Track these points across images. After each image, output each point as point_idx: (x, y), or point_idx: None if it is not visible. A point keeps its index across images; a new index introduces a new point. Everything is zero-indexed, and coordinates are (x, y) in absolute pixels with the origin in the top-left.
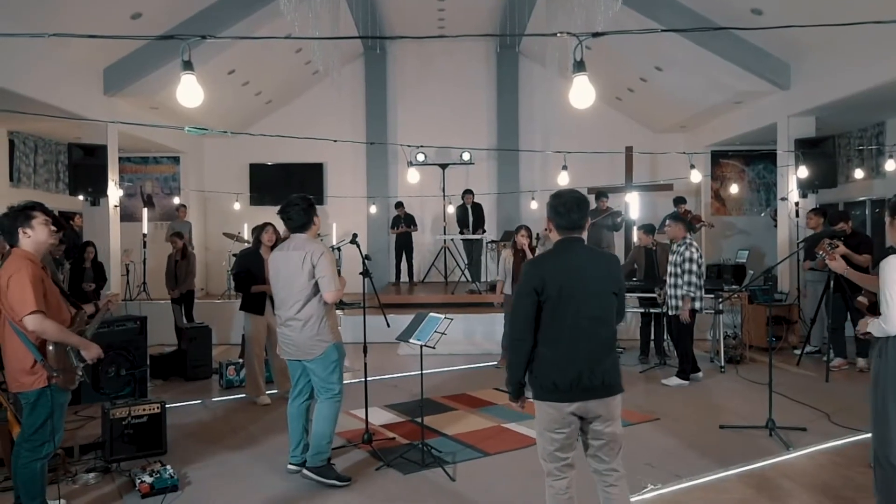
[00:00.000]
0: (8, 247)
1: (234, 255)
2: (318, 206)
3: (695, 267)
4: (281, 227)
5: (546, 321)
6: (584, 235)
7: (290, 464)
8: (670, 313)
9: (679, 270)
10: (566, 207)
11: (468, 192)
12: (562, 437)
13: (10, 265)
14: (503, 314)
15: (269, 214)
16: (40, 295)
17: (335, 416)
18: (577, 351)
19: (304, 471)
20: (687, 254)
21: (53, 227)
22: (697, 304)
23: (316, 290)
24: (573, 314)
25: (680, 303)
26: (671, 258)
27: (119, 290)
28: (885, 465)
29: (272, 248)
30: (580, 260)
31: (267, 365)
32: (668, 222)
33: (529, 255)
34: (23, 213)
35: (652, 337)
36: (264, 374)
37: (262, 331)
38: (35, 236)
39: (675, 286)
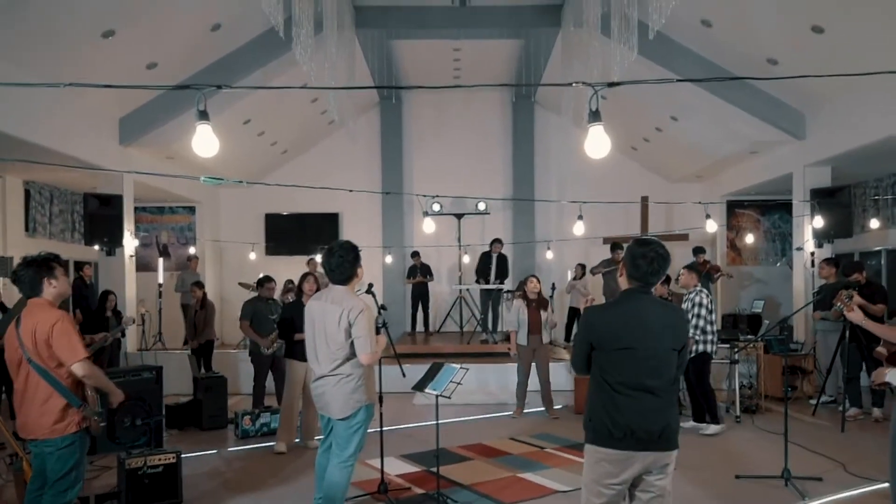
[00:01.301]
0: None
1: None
2: None
3: (703, 311)
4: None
5: (603, 369)
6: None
7: None
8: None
9: (689, 316)
10: (647, 261)
11: (497, 241)
12: (612, 493)
13: (45, 314)
14: (516, 365)
15: (285, 264)
16: (84, 342)
17: (346, 483)
18: (637, 402)
19: None
20: (697, 299)
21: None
22: (709, 348)
23: (352, 349)
24: (633, 366)
25: (696, 346)
26: (683, 305)
27: (134, 340)
28: None
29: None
30: (645, 312)
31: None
32: (681, 271)
33: (533, 300)
34: (46, 265)
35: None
36: (297, 423)
37: (301, 377)
38: (59, 287)
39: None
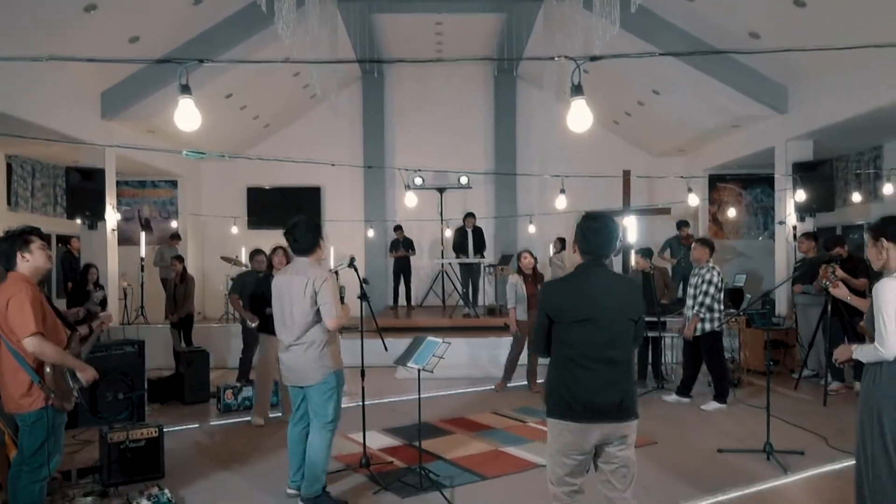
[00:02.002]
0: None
1: (232, 278)
2: None
3: (713, 290)
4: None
5: (562, 342)
6: (608, 261)
7: (290, 487)
8: (693, 336)
9: (697, 292)
10: (595, 234)
11: (470, 215)
12: (574, 464)
13: (8, 287)
14: (511, 338)
15: (267, 238)
16: (40, 317)
17: (328, 447)
18: (594, 373)
19: (300, 502)
20: (708, 277)
21: (49, 253)
22: (717, 325)
23: (318, 316)
24: (590, 338)
25: (704, 325)
26: (691, 280)
27: (116, 314)
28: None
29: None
30: (600, 285)
31: (275, 387)
32: (694, 245)
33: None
34: (21, 238)
35: (649, 361)
36: (271, 397)
37: (274, 351)
38: (33, 261)
39: (693, 308)
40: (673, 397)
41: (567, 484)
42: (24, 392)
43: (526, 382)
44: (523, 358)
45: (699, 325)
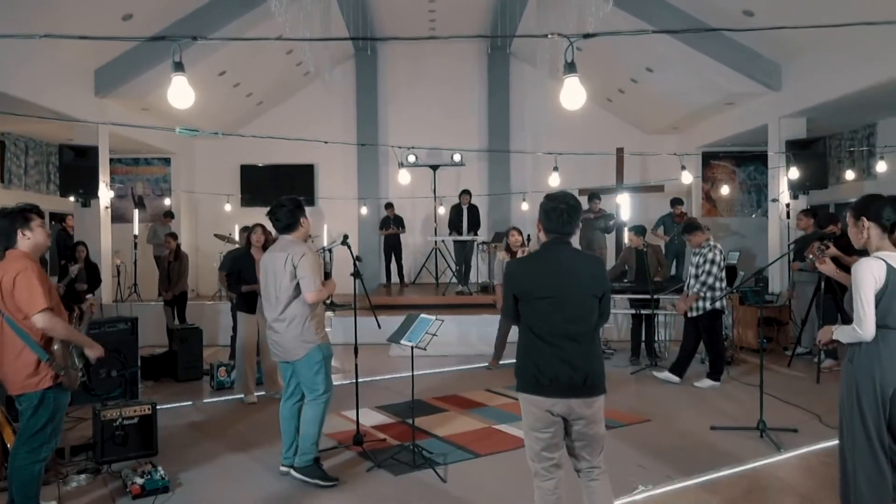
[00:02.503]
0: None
1: (223, 255)
2: (309, 208)
3: (715, 269)
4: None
5: (528, 319)
6: (573, 239)
7: (283, 465)
8: (693, 314)
9: (699, 272)
10: (557, 213)
11: (465, 192)
12: (547, 437)
13: (12, 265)
14: (499, 317)
15: (260, 216)
16: (48, 292)
17: (321, 418)
18: (559, 350)
19: (292, 472)
20: (710, 255)
21: (48, 231)
22: (718, 305)
23: (298, 291)
24: (554, 314)
25: (705, 304)
26: (693, 259)
27: (109, 291)
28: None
29: (263, 248)
30: (564, 262)
31: (258, 366)
32: (688, 236)
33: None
34: (21, 216)
35: (643, 338)
36: (255, 374)
37: (253, 330)
38: (34, 238)
39: (695, 287)
40: (665, 374)
41: (544, 459)
42: (31, 371)
43: (507, 362)
44: (514, 334)
45: (699, 304)
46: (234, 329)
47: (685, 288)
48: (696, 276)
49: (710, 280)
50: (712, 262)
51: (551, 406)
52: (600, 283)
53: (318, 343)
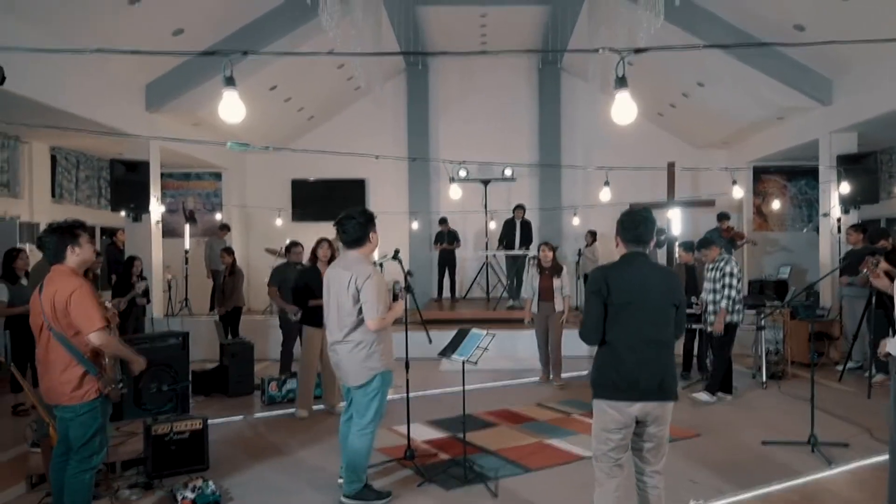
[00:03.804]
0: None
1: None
2: None
3: (735, 281)
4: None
5: (610, 324)
6: (650, 251)
7: (341, 477)
8: (709, 329)
9: (718, 286)
10: (633, 223)
11: (520, 206)
12: (618, 439)
13: (65, 282)
14: (535, 332)
15: (312, 230)
16: (102, 311)
17: (367, 451)
18: (639, 355)
19: (342, 499)
20: (727, 269)
21: (95, 246)
22: (736, 318)
23: (362, 315)
24: (635, 321)
25: (732, 318)
26: (708, 274)
27: (160, 306)
28: None
29: (328, 262)
30: (643, 271)
31: (318, 379)
32: (702, 252)
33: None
34: (70, 232)
35: (695, 353)
36: (314, 388)
37: (318, 344)
38: (83, 254)
39: (714, 302)
40: (707, 396)
41: (611, 460)
42: (76, 385)
43: (574, 373)
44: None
45: (710, 317)
46: (284, 343)
47: (704, 304)
48: (716, 291)
49: (734, 294)
50: (731, 274)
51: (629, 408)
52: (677, 292)
53: (382, 370)
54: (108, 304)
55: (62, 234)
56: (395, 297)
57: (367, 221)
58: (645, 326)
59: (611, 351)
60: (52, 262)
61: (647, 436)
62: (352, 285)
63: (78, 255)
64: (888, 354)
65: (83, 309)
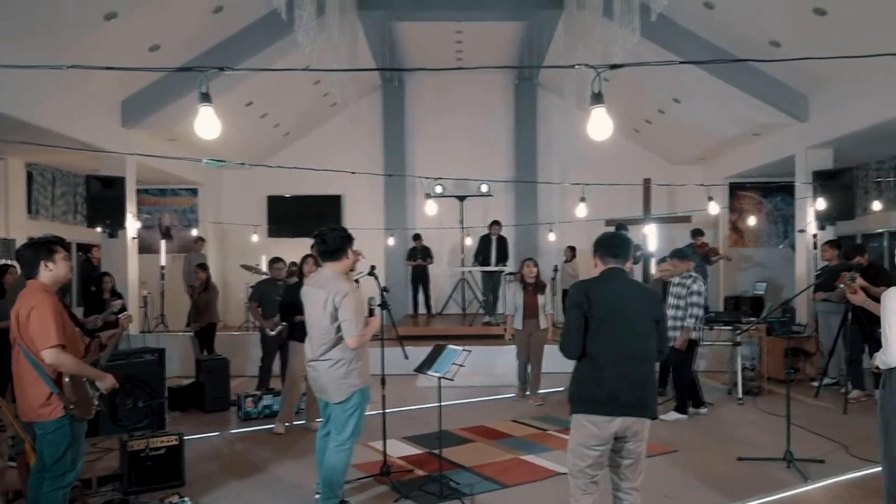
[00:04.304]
0: (25, 279)
1: (251, 286)
2: None
3: (701, 300)
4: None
5: (590, 338)
6: (627, 268)
7: (318, 492)
8: (671, 343)
9: (683, 303)
10: (611, 241)
11: (496, 223)
12: (595, 455)
13: (29, 297)
14: (516, 348)
15: (288, 246)
16: (61, 328)
17: (344, 467)
18: (620, 369)
19: None
20: (695, 287)
21: (71, 263)
22: (696, 335)
23: (340, 332)
24: (616, 335)
25: (678, 333)
26: (673, 290)
27: (136, 322)
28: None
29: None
30: (623, 287)
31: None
32: (671, 261)
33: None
34: (45, 247)
35: (670, 368)
36: (296, 404)
37: (303, 359)
38: (56, 271)
39: (675, 318)
40: (677, 415)
41: (587, 476)
42: (44, 401)
43: (551, 389)
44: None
45: (673, 334)
46: (263, 359)
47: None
48: (680, 308)
49: (699, 312)
50: (698, 293)
51: (609, 424)
52: (657, 308)
53: (361, 387)
54: (88, 320)
55: (37, 249)
56: (371, 313)
57: (347, 237)
58: (626, 341)
59: (591, 364)
60: (27, 276)
61: (625, 452)
62: (329, 303)
63: (51, 270)
64: (878, 368)
65: (40, 325)
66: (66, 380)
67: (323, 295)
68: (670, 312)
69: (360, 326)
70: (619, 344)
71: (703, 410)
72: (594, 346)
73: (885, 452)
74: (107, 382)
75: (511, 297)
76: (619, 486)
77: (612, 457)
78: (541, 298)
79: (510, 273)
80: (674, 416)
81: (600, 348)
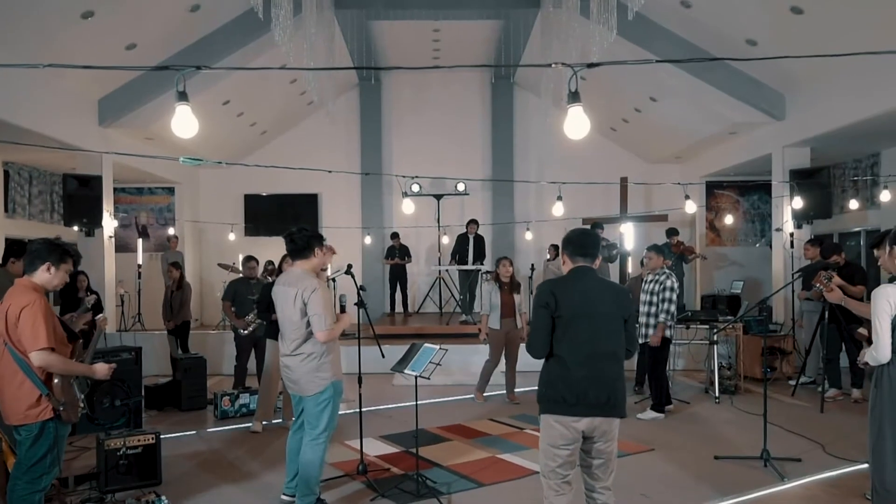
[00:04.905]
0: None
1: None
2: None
3: (675, 296)
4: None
5: (558, 338)
6: (596, 266)
7: (284, 494)
8: (644, 341)
9: (656, 299)
10: (579, 239)
11: (473, 221)
12: (566, 455)
13: (20, 296)
14: (490, 348)
15: (264, 245)
16: (51, 330)
17: (319, 461)
18: (587, 369)
19: None
20: (668, 283)
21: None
22: (668, 333)
23: (311, 327)
24: (584, 334)
25: (652, 330)
26: (646, 286)
27: (113, 321)
28: (881, 491)
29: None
30: (591, 285)
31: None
32: (648, 254)
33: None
34: (59, 252)
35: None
36: (274, 401)
37: (278, 358)
38: (53, 278)
39: (649, 314)
40: (652, 415)
41: (559, 476)
42: (32, 403)
43: (528, 388)
44: (502, 365)
45: (647, 332)
46: (238, 357)
47: (640, 317)
48: (653, 304)
49: (673, 308)
50: (672, 289)
51: (576, 423)
52: (626, 306)
53: (332, 380)
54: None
55: (51, 250)
56: (343, 309)
57: (315, 236)
58: (593, 340)
59: (559, 365)
60: (25, 269)
61: (595, 452)
62: (298, 300)
63: (50, 275)
64: (866, 364)
65: (31, 326)
66: (56, 381)
67: (292, 292)
68: (644, 309)
69: (329, 321)
70: (586, 343)
71: (668, 407)
72: (561, 346)
73: (875, 447)
74: (102, 371)
75: (487, 297)
76: (591, 486)
77: (583, 457)
78: (517, 297)
79: (487, 272)
80: (650, 414)
81: (567, 348)
